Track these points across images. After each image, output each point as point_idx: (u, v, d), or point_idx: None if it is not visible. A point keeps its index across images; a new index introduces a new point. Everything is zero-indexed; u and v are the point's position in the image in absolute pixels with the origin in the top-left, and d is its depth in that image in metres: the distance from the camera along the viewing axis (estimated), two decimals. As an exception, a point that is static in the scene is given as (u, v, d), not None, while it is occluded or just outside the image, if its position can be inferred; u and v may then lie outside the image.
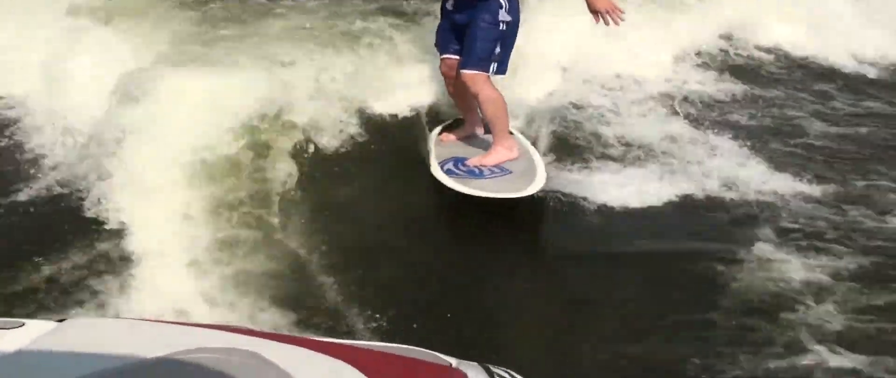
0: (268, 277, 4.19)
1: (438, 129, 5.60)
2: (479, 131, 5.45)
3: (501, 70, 4.99)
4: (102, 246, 4.25)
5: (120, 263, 4.14)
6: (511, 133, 5.23)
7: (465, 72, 4.92)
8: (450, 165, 5.06)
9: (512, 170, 5.00)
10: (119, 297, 3.98)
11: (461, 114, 5.51)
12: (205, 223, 4.39)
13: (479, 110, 5.21)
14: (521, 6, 4.99)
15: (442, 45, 5.25)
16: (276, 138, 5.00)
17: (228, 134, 4.79)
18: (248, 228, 4.46)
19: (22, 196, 4.75)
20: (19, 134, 5.33)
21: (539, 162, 5.09)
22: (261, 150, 4.92)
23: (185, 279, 4.11)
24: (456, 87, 5.25)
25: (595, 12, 4.53)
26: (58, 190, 4.74)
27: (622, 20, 4.48)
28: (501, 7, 4.87)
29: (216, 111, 4.84)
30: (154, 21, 6.43)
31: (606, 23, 4.50)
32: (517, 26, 5.00)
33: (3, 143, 5.29)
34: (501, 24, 4.90)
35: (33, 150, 5.14)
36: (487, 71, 4.91)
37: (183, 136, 4.66)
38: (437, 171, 5.00)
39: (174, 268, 4.14)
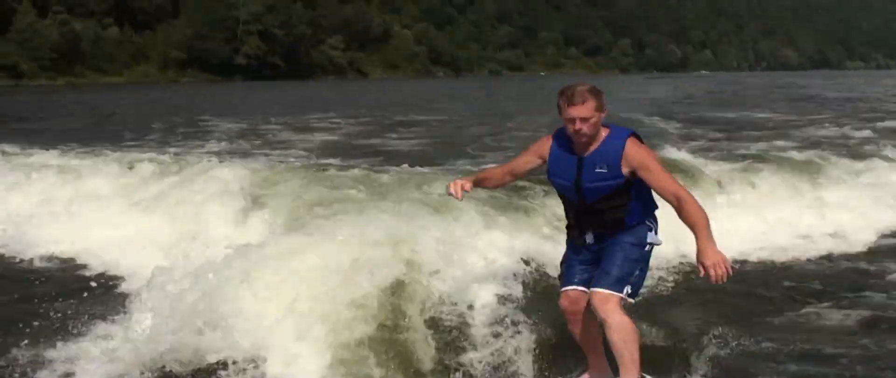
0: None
1: None
2: (605, 376, 4.75)
3: (634, 294, 4.46)
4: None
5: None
6: None
7: (597, 291, 4.38)
8: None
9: None
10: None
11: (585, 354, 4.86)
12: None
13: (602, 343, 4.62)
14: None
15: (566, 277, 4.69)
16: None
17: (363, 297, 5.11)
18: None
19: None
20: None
21: None
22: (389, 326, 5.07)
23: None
24: (579, 323, 4.69)
25: (702, 264, 4.12)
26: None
27: (726, 280, 4.09)
28: (650, 229, 4.53)
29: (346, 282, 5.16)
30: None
31: (711, 279, 4.08)
32: (653, 247, 4.60)
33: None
34: (647, 246, 4.51)
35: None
36: (621, 293, 4.38)
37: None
38: None
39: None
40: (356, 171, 10.00)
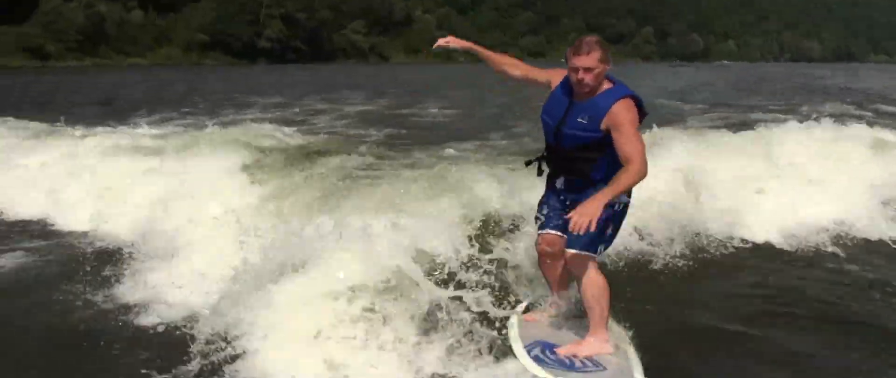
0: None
1: (521, 307, 5.12)
2: (565, 311, 4.94)
3: (606, 250, 4.63)
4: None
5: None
6: None
7: (572, 252, 4.47)
8: (537, 351, 4.50)
9: (606, 366, 4.40)
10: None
11: (550, 292, 5.04)
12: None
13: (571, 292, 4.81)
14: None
15: (544, 223, 4.80)
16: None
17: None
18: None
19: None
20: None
21: (635, 359, 4.51)
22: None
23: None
24: (552, 265, 4.84)
25: (579, 206, 4.15)
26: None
27: (581, 232, 4.09)
28: None
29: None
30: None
31: (571, 221, 4.08)
32: (628, 207, 4.64)
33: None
34: (617, 205, 4.49)
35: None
36: (595, 252, 4.47)
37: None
38: (524, 358, 4.45)
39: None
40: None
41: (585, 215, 4.00)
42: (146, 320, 5.42)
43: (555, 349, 4.53)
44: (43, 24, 73.52)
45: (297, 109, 19.72)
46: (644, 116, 4.49)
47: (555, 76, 4.78)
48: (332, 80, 41.02)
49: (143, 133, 11.13)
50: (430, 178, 6.96)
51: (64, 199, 8.61)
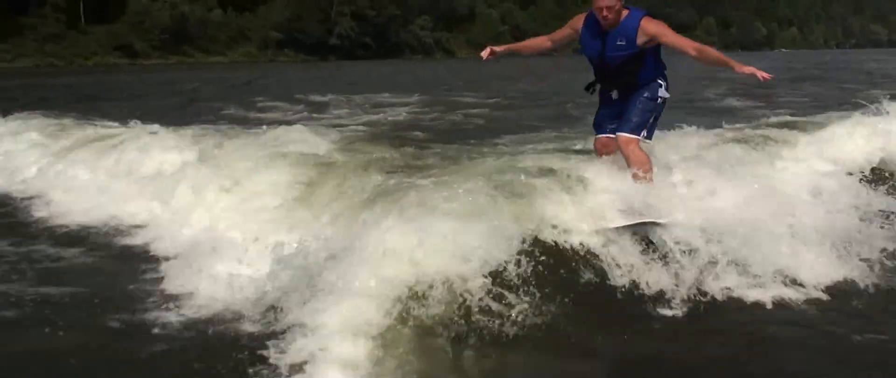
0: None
1: None
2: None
3: (649, 136, 5.72)
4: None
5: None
6: None
7: (622, 135, 5.57)
8: None
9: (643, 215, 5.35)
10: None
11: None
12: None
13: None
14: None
15: (599, 126, 5.94)
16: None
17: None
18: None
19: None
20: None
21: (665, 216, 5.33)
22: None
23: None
24: (605, 158, 5.88)
25: (752, 75, 5.19)
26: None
27: (768, 78, 5.13)
28: (660, 86, 5.66)
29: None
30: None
31: (759, 79, 5.19)
32: (666, 101, 5.73)
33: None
34: (659, 99, 5.67)
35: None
36: (640, 136, 5.57)
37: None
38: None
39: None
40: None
41: (757, 71, 5.22)
42: (186, 318, 5.14)
43: None
44: (131, 24, 77.86)
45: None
46: None
47: (575, 22, 5.94)
48: (419, 76, 40.66)
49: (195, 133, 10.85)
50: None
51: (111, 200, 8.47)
